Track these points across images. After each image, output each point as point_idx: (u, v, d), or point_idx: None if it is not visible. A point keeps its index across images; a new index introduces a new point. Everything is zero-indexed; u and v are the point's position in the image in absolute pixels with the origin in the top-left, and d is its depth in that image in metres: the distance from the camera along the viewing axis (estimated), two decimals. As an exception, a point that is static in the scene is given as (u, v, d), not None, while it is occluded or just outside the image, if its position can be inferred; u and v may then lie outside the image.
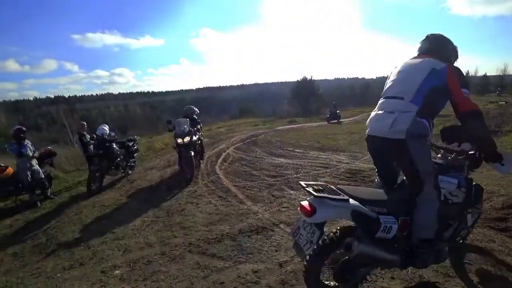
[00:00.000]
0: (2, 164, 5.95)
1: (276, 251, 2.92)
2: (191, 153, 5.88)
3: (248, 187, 5.04)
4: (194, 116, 7.03)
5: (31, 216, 5.20)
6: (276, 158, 6.93)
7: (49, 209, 5.46)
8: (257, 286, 2.42)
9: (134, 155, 7.46)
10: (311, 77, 24.34)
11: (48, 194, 6.08)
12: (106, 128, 6.52)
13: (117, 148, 6.60)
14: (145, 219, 4.14)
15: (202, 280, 2.56)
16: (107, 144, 6.25)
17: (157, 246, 3.30)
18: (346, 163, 5.99)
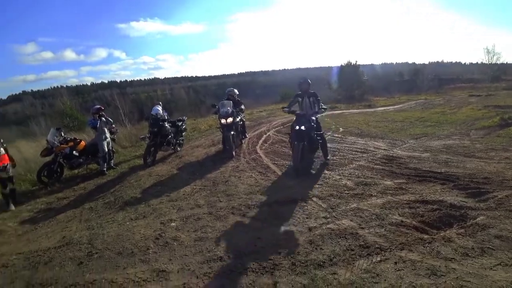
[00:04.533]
0: (76, 138, 7.04)
1: (307, 218, 3.27)
2: (232, 132, 6.37)
3: (287, 165, 5.39)
4: (237, 98, 7.49)
5: (100, 181, 6.16)
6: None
7: (113, 176, 6.37)
8: (289, 243, 2.82)
9: (183, 133, 8.17)
10: (356, 61, 23.25)
11: (112, 164, 7.05)
12: (160, 108, 7.28)
13: (168, 126, 7.31)
14: (194, 187, 4.74)
15: (243, 234, 3.03)
16: (160, 123, 6.99)
17: (205, 207, 3.86)
18: (384, 149, 6.02)
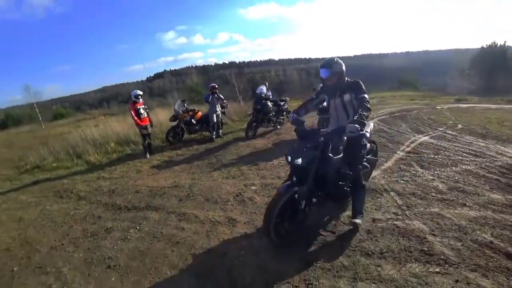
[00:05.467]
0: (196, 109, 8.67)
1: (375, 209, 3.25)
2: (327, 116, 6.44)
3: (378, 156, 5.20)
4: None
5: (209, 146, 7.55)
6: (419, 136, 6.42)
7: (219, 143, 7.68)
8: (348, 227, 2.94)
9: (284, 113, 8.73)
10: (505, 42, 17.51)
11: (220, 134, 8.37)
12: (264, 88, 8.00)
13: (270, 105, 7.99)
14: (281, 161, 5.22)
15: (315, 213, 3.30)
16: (263, 101, 7.72)
17: (284, 179, 4.30)
18: (510, 157, 4.91)
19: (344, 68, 2.90)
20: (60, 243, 3.50)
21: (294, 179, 2.72)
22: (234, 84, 19.69)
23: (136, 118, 6.95)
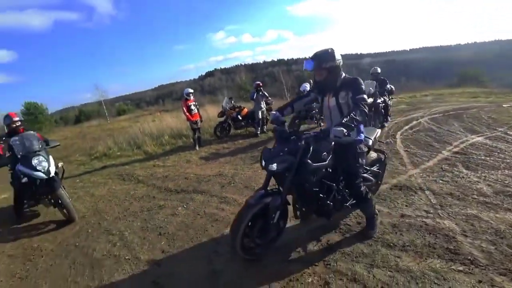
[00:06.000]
0: (242, 106, 9.19)
1: (405, 206, 3.28)
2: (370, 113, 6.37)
3: (419, 154, 5.06)
4: (380, 77, 7.28)
5: (253, 141, 7.98)
6: (472, 136, 6.01)
7: (263, 139, 8.06)
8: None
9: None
10: None
11: (264, 129, 8.75)
12: (308, 85, 8.17)
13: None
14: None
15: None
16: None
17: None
18: None
19: (338, 62, 2.47)
20: (123, 214, 4.21)
21: (269, 188, 2.48)
22: (282, 81, 19.93)
23: (187, 113, 7.69)
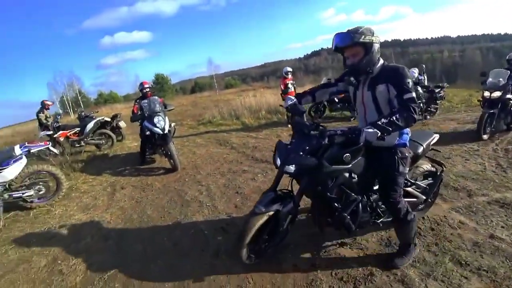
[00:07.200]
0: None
1: (501, 227, 2.71)
2: (493, 111, 5.13)
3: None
4: None
5: (345, 124, 7.67)
6: None
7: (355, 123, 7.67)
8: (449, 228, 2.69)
9: (437, 102, 7.60)
10: None
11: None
12: (415, 71, 7.19)
13: (421, 91, 7.14)
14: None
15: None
16: (412, 86, 7.04)
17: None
18: None
19: (377, 39, 1.93)
20: (213, 172, 4.94)
21: (279, 191, 2.22)
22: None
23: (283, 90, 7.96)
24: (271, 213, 2.10)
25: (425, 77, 8.35)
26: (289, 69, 8.29)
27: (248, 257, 2.26)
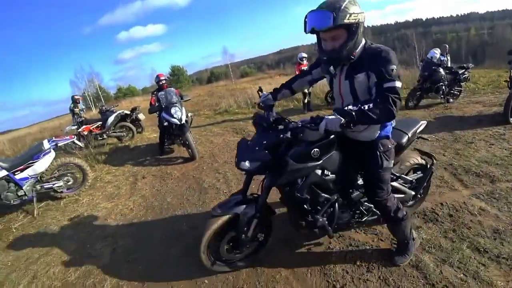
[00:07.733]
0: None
1: None
2: None
3: None
4: None
5: None
6: None
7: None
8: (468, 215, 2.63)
9: (462, 84, 7.24)
10: None
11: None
12: (437, 51, 6.85)
13: (443, 73, 6.80)
14: (435, 137, 4.70)
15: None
16: (433, 67, 6.70)
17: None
18: None
19: (361, 17, 1.48)
20: (230, 160, 5.02)
21: (250, 195, 2.07)
22: (415, 46, 17.09)
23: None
24: (227, 216, 1.95)
25: (448, 58, 7.95)
26: (304, 54, 8.15)
27: (213, 263, 2.10)
